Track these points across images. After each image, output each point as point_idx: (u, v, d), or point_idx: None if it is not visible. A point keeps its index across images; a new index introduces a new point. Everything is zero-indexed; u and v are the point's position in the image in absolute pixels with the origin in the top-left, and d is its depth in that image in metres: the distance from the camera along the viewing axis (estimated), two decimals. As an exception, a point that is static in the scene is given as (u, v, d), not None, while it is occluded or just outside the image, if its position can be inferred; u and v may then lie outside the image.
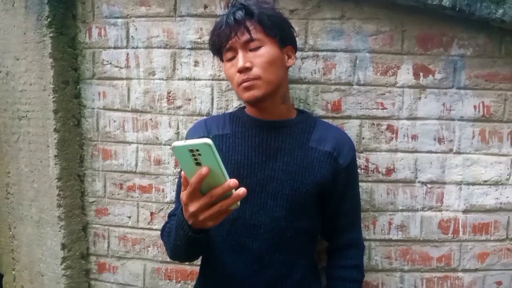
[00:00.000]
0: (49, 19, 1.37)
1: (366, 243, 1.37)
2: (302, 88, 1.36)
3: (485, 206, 1.38)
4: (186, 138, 1.22)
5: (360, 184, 1.33)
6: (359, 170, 1.36)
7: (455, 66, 1.33)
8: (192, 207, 0.82)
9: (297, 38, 1.29)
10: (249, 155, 1.14)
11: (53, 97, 1.41)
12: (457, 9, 1.23)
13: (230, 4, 1.13)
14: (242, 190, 0.79)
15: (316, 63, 1.35)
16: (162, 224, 1.42)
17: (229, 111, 1.31)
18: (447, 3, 1.23)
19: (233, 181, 0.78)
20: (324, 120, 1.33)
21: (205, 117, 1.36)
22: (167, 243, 1.10)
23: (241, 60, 1.06)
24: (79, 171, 1.51)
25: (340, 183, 1.17)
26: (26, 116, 1.49)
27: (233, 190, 0.79)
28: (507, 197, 1.38)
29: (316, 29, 1.34)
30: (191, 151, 0.74)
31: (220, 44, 1.11)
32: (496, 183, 1.37)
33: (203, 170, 0.75)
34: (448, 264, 1.40)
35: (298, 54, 1.31)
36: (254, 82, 1.05)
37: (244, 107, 1.24)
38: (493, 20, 1.25)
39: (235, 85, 1.11)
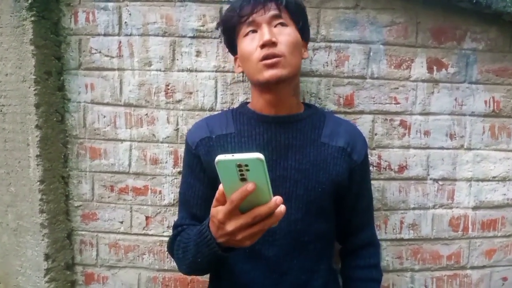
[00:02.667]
0: (30, 1, 1.20)
1: (377, 243, 1.32)
2: (313, 81, 1.28)
3: (493, 202, 1.37)
4: (188, 141, 1.10)
5: (372, 182, 1.27)
6: (371, 168, 1.30)
7: (468, 60, 1.30)
8: (230, 226, 0.73)
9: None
10: None
11: (34, 90, 1.24)
12: (474, 1, 1.20)
13: None
14: (283, 207, 0.71)
15: (328, 55, 1.28)
16: (159, 230, 1.35)
17: (230, 109, 1.20)
18: (465, -6, 1.20)
19: (279, 199, 0.70)
20: (336, 115, 1.26)
21: (206, 115, 1.26)
22: (182, 259, 0.98)
23: (267, 33, 0.96)
24: (63, 172, 1.35)
25: (355, 181, 1.10)
26: (1, 110, 1.31)
27: None
28: (513, 193, 1.38)
29: (329, 19, 1.26)
30: (239, 166, 0.66)
31: (242, 16, 1.01)
32: (504, 179, 1.37)
33: (249, 186, 0.67)
34: (457, 262, 1.38)
35: (310, 45, 1.24)
36: (279, 60, 0.96)
37: (247, 103, 1.14)
38: (508, 13, 1.23)
39: (253, 61, 0.99)
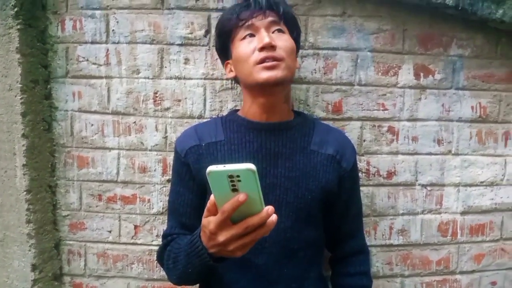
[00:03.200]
0: (16, 9, 1.19)
1: (367, 250, 1.33)
2: (302, 88, 1.29)
3: (481, 207, 1.38)
4: (177, 149, 1.09)
5: (361, 188, 1.28)
6: (360, 174, 1.31)
7: (454, 67, 1.32)
8: (222, 237, 0.73)
9: None
10: (247, 162, 1.03)
11: (20, 98, 1.22)
12: (459, 8, 1.21)
13: None
14: (275, 217, 0.71)
15: (316, 62, 1.28)
16: (148, 239, 1.34)
17: (219, 116, 1.21)
18: (450, 2, 1.21)
19: (271, 209, 0.71)
20: (325, 122, 1.26)
21: (195, 123, 1.25)
22: (173, 269, 0.97)
23: (266, 36, 0.97)
24: (50, 182, 1.33)
25: (345, 188, 1.10)
26: (-13, 119, 1.30)
27: None
28: (501, 198, 1.38)
29: (317, 26, 1.27)
30: (231, 176, 0.66)
31: (241, 20, 1.01)
32: (492, 184, 1.38)
33: (241, 197, 0.67)
34: (446, 267, 1.39)
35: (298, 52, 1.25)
36: (278, 63, 0.96)
37: (236, 111, 1.14)
38: (493, 20, 1.24)
39: (250, 64, 0.98)
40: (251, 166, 0.65)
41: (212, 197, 0.71)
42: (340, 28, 1.28)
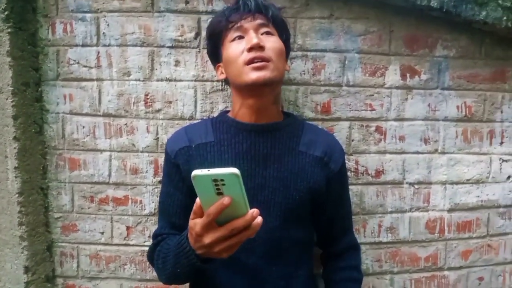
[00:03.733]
0: (6, 12, 1.20)
1: (356, 247, 1.35)
2: (291, 90, 1.31)
3: (468, 204, 1.41)
4: (167, 149, 1.11)
5: (350, 187, 1.30)
6: (349, 173, 1.33)
7: (440, 67, 1.35)
8: (208, 239, 0.75)
9: None
10: (237, 163, 1.05)
11: (12, 101, 1.23)
12: (444, 10, 1.24)
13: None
14: (260, 219, 0.74)
15: (305, 64, 1.30)
16: (140, 240, 1.35)
17: (209, 118, 1.23)
18: (435, 4, 1.23)
19: (256, 212, 0.73)
20: (314, 122, 1.29)
21: (186, 124, 1.25)
22: (162, 269, 0.99)
23: (255, 37, 0.99)
24: (42, 184, 1.34)
25: (334, 189, 1.13)
26: (-22, 122, 1.30)
27: None
28: (487, 195, 1.42)
29: (305, 28, 1.29)
30: (215, 180, 0.68)
31: (230, 22, 1.04)
32: (478, 182, 1.41)
33: (226, 200, 0.69)
34: (434, 263, 1.41)
35: (287, 54, 1.28)
36: (267, 64, 0.98)
37: (227, 112, 1.16)
38: (477, 21, 1.27)
39: (240, 64, 1.00)
40: (235, 170, 0.67)
41: (198, 199, 0.73)
42: (328, 30, 1.30)
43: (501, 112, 1.39)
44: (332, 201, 1.14)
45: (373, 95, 1.33)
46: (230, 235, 0.74)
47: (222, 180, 0.67)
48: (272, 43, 1.02)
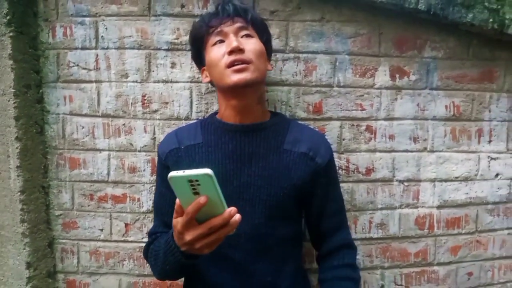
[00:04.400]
0: (8, 17, 1.24)
1: (348, 243, 1.39)
2: (283, 90, 1.35)
3: (457, 201, 1.45)
4: (159, 151, 1.16)
5: (342, 184, 1.34)
6: (340, 171, 1.37)
7: (428, 68, 1.39)
8: (188, 236, 0.80)
9: (278, 40, 1.33)
10: (223, 162, 1.09)
11: (13, 102, 1.28)
12: (431, 12, 1.28)
13: (222, 0, 1.12)
14: (238, 217, 0.78)
15: (297, 65, 1.34)
16: (138, 236, 1.39)
17: (200, 119, 1.27)
18: (423, 6, 1.27)
19: (233, 210, 0.77)
20: (306, 122, 1.33)
21: (182, 124, 1.31)
22: (154, 265, 1.05)
23: (235, 40, 1.03)
24: (43, 183, 1.39)
25: (320, 183, 1.14)
26: (-19, 123, 1.34)
27: None
28: (475, 192, 1.46)
29: (297, 31, 1.33)
30: (190, 181, 0.72)
31: (210, 27, 1.08)
32: (466, 179, 1.45)
33: (202, 199, 0.74)
34: (424, 258, 1.45)
35: (280, 56, 1.33)
36: (247, 66, 1.02)
37: (215, 113, 1.20)
38: (464, 23, 1.31)
39: (221, 67, 1.04)
40: (208, 171, 0.71)
41: (178, 200, 0.78)
42: (319, 33, 1.34)
43: (489, 111, 1.43)
44: (319, 196, 1.15)
45: (363, 95, 1.37)
46: (209, 233, 0.78)
47: (197, 180, 0.72)
48: (252, 45, 1.06)
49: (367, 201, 1.41)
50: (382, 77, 1.37)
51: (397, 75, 1.38)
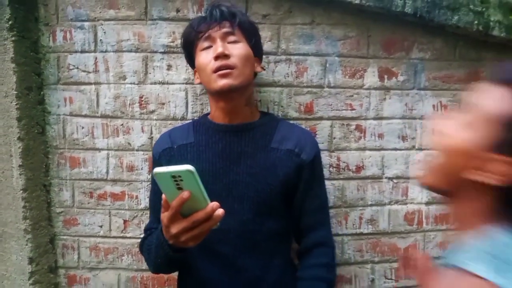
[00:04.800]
0: (10, 22, 1.30)
1: (339, 238, 1.44)
2: (276, 91, 1.40)
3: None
4: (153, 152, 1.23)
5: (332, 181, 1.40)
6: (331, 169, 1.42)
7: (416, 69, 1.43)
8: (174, 229, 0.84)
9: (270, 43, 1.37)
10: (213, 161, 1.15)
11: (16, 104, 1.33)
12: (418, 15, 1.33)
13: (211, 5, 1.15)
14: (221, 211, 0.82)
15: (289, 67, 1.39)
16: (137, 232, 1.44)
17: (192, 120, 1.32)
18: (409, 10, 1.32)
19: (216, 205, 0.81)
20: (297, 121, 1.38)
21: (178, 124, 1.35)
22: (148, 259, 1.11)
23: (220, 46, 1.07)
24: (44, 181, 1.44)
25: (304, 179, 1.17)
26: (-15, 124, 1.40)
27: None
28: (463, 189, 1.50)
29: (288, 34, 1.38)
30: (174, 177, 0.76)
31: (199, 32, 1.12)
32: (454, 176, 1.49)
33: (185, 194, 0.78)
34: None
35: (272, 58, 1.38)
36: (231, 71, 1.07)
37: (207, 114, 1.25)
38: (449, 25, 1.36)
39: (208, 72, 1.09)
40: (189, 167, 0.75)
41: (163, 195, 0.82)
42: (309, 36, 1.39)
43: (476, 110, 1.47)
44: (302, 192, 1.18)
45: (353, 95, 1.42)
46: (192, 226, 0.82)
47: (179, 176, 0.75)
48: (237, 49, 1.10)
49: (358, 198, 1.46)
50: (371, 78, 1.42)
51: (386, 76, 1.42)
